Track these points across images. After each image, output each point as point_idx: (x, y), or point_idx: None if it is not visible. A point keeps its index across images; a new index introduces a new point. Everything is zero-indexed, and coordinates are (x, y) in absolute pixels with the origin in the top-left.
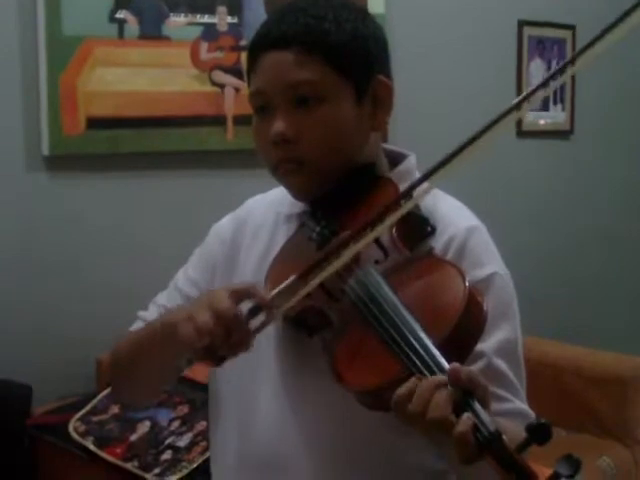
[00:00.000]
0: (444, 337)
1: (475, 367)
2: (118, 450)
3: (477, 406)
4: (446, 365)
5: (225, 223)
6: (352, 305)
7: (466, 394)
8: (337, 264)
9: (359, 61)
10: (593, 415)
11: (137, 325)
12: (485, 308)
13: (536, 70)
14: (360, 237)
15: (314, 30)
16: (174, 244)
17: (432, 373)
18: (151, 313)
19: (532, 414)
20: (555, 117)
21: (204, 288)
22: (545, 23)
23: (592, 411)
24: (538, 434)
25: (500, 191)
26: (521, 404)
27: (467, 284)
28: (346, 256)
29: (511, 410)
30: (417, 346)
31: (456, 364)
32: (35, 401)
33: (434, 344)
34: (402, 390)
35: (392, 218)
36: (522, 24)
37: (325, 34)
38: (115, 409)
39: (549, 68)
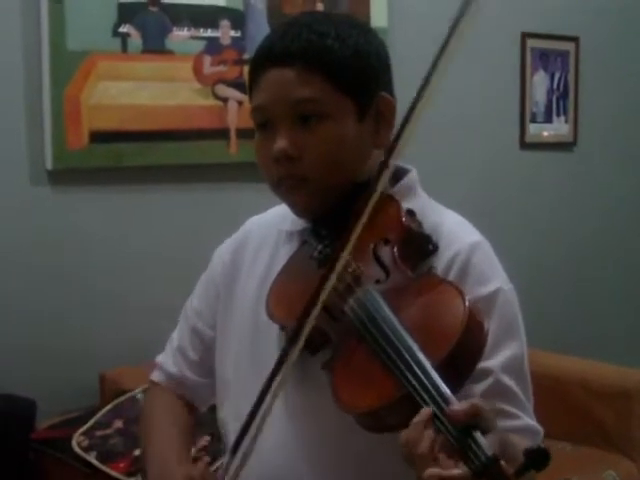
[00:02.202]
0: (443, 358)
1: (483, 385)
2: (122, 465)
3: (474, 434)
4: (443, 387)
5: (224, 247)
6: (351, 325)
7: (465, 428)
8: (331, 280)
9: (361, 78)
10: (598, 428)
11: (157, 375)
12: (486, 328)
13: (540, 82)
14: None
15: (317, 47)
16: (177, 258)
17: (429, 395)
18: (167, 358)
19: (540, 430)
20: (558, 129)
21: (208, 317)
22: (548, 35)
23: (597, 424)
24: (536, 459)
25: (503, 203)
26: (529, 420)
27: (467, 304)
28: (337, 267)
29: (520, 427)
30: (415, 367)
31: (454, 408)
32: (39, 415)
33: (433, 365)
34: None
35: (367, 212)
36: (525, 36)
37: (328, 51)
38: (119, 423)
39: (552, 80)
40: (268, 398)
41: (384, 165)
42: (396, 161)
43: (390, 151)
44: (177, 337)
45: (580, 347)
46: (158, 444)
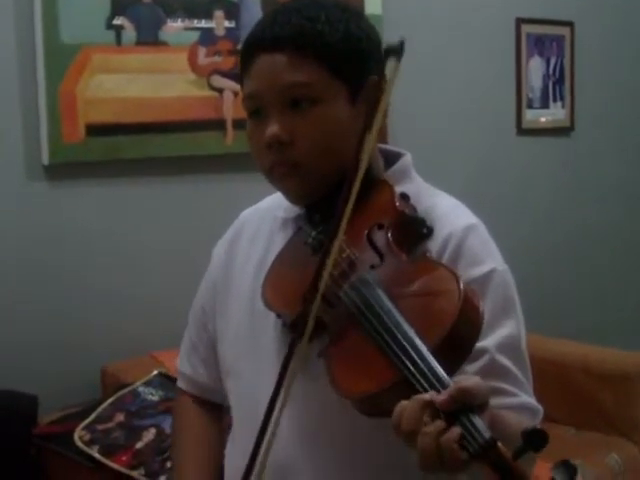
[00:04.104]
0: (439, 342)
1: (478, 364)
2: (124, 458)
3: (471, 417)
4: (440, 370)
5: (221, 243)
6: (347, 311)
7: (460, 409)
8: (328, 267)
9: (352, 62)
10: (600, 412)
11: (180, 382)
12: (481, 310)
13: (535, 67)
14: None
15: (307, 32)
16: (176, 250)
17: (426, 379)
18: (183, 360)
19: (540, 408)
20: (555, 114)
21: (210, 313)
22: (543, 20)
23: (599, 408)
24: (534, 440)
25: (501, 189)
26: (528, 398)
27: (462, 287)
28: (333, 252)
29: (517, 404)
30: (411, 352)
31: (443, 396)
32: (40, 411)
33: (429, 349)
34: (394, 416)
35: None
36: (520, 22)
37: (318, 35)
38: (120, 417)
39: (548, 65)
40: (281, 396)
41: (359, 145)
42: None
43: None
44: (188, 335)
45: (581, 332)
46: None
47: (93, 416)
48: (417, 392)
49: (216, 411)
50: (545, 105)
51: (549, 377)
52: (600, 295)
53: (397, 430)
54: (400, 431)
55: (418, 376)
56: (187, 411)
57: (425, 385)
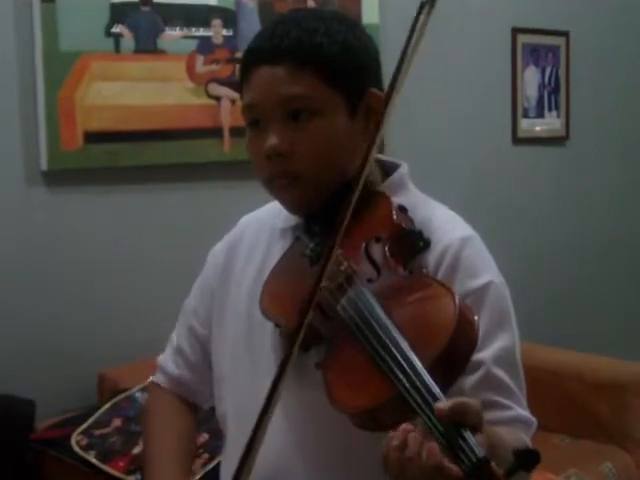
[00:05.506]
0: (435, 358)
1: (475, 376)
2: (121, 463)
3: (464, 434)
4: (435, 387)
5: (219, 247)
6: (344, 324)
7: (454, 426)
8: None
9: (351, 74)
10: (594, 421)
11: (158, 377)
12: (477, 326)
13: (531, 77)
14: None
15: (306, 44)
16: (173, 257)
17: (420, 395)
18: (167, 359)
19: (534, 421)
20: (551, 123)
21: (203, 316)
22: (539, 30)
23: (593, 417)
24: (525, 460)
25: (497, 198)
26: (522, 411)
27: (457, 303)
28: (329, 264)
29: (512, 418)
30: (406, 367)
31: (440, 404)
32: (38, 416)
33: (424, 365)
34: (392, 447)
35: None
36: (516, 32)
37: (317, 48)
38: (117, 422)
39: (544, 75)
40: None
41: (364, 160)
42: (376, 155)
43: (369, 145)
44: (176, 337)
45: (576, 340)
46: (158, 467)
47: (90, 421)
48: (411, 408)
49: (192, 408)
50: (540, 114)
51: (544, 386)
52: (597, 304)
53: (392, 458)
54: (401, 457)
55: (413, 392)
56: (169, 405)
57: (419, 401)
